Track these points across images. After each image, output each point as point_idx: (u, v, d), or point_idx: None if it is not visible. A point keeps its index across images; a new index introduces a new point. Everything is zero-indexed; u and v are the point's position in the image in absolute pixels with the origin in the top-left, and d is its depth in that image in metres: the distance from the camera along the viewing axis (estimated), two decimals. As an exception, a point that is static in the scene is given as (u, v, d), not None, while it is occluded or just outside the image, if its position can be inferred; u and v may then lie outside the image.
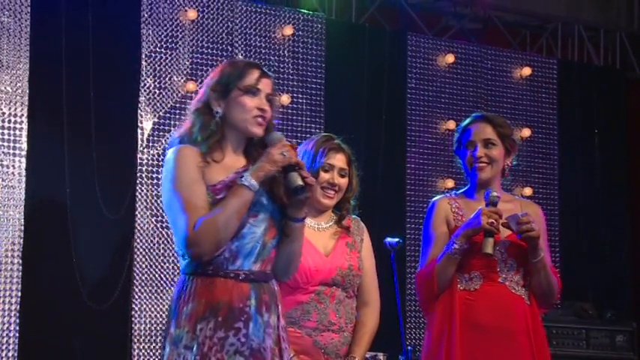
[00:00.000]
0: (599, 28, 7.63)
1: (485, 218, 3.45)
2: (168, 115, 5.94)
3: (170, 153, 2.92)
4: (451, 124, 6.76)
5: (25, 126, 5.55)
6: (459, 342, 3.52)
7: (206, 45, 6.11)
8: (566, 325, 6.29)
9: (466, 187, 3.77)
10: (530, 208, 3.77)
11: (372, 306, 3.61)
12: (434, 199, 3.76)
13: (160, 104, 5.93)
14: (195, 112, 2.96)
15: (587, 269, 7.12)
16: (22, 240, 5.46)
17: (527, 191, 6.97)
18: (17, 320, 5.40)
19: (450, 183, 6.63)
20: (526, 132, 7.09)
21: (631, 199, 7.49)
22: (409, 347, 5.60)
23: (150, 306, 5.73)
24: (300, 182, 2.86)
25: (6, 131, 5.51)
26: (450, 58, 6.93)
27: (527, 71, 7.16)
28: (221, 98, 2.94)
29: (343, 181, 3.57)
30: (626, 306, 7.09)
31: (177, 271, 5.72)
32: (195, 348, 2.82)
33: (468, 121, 3.76)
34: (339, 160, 3.57)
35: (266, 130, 2.97)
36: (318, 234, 3.55)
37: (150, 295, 5.74)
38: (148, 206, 5.81)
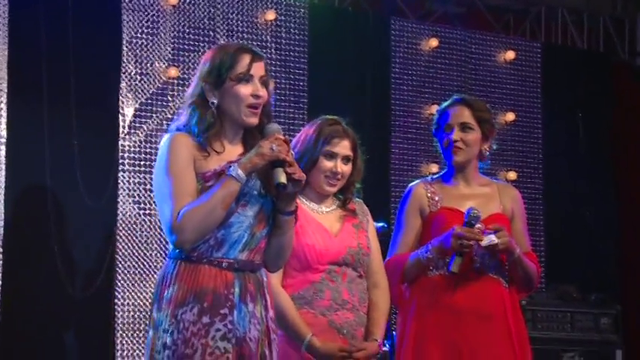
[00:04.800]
0: (583, 11, 7.62)
1: (454, 240, 3.44)
2: (150, 101, 5.88)
3: (164, 140, 2.92)
4: (435, 109, 6.69)
5: (4, 113, 5.49)
6: (434, 325, 3.52)
7: (188, 30, 6.05)
8: (550, 309, 6.31)
9: (444, 171, 3.76)
10: (508, 191, 3.77)
11: (383, 287, 3.55)
12: (411, 184, 3.76)
13: (142, 90, 5.88)
14: (192, 105, 2.94)
15: (571, 252, 7.12)
16: (2, 229, 5.40)
17: (512, 175, 6.97)
18: (-2, 309, 5.36)
19: (435, 168, 6.61)
20: (510, 116, 7.08)
21: (615, 182, 7.49)
22: (394, 332, 5.60)
23: (133, 294, 5.69)
24: (282, 180, 2.83)
25: (-15, 119, 5.46)
26: (434, 43, 6.90)
27: (511, 55, 7.14)
28: (215, 89, 2.92)
29: (347, 168, 3.50)
30: (611, 289, 7.10)
31: (161, 258, 5.70)
32: (176, 333, 2.81)
33: (447, 103, 3.75)
34: (343, 147, 3.49)
35: (262, 114, 2.95)
36: (322, 216, 3.51)
37: (133, 283, 5.70)
38: (130, 193, 5.76)
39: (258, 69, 2.94)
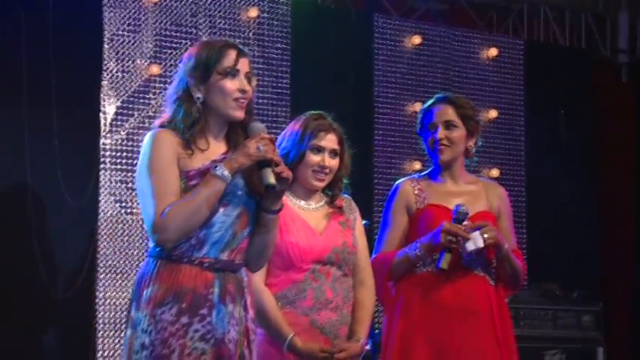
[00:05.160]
0: (565, 8, 7.64)
1: (444, 236, 3.44)
2: (131, 99, 5.84)
3: (147, 137, 2.89)
4: (418, 106, 6.71)
5: (-16, 112, 5.46)
6: (420, 322, 3.52)
7: (170, 27, 6.02)
8: (533, 306, 6.32)
9: (430, 169, 3.76)
10: (494, 189, 3.78)
11: (368, 285, 3.54)
12: (397, 181, 3.75)
13: (123, 88, 5.84)
14: (177, 100, 2.92)
15: (553, 250, 7.14)
16: (-18, 228, 5.38)
17: (495, 172, 6.98)
18: (-22, 310, 5.32)
19: (418, 165, 6.61)
20: (493, 113, 7.08)
21: (597, 179, 7.52)
22: (377, 331, 5.59)
23: (114, 294, 5.65)
24: (271, 181, 2.81)
25: (-35, 117, 5.42)
26: (417, 40, 6.90)
27: (493, 52, 7.15)
28: (200, 83, 2.90)
29: (334, 162, 3.48)
30: (593, 286, 7.12)
31: (143, 257, 5.66)
32: (154, 333, 2.79)
33: (430, 102, 3.75)
34: (329, 140, 3.47)
35: (245, 112, 2.93)
36: (309, 213, 3.48)
37: (114, 282, 5.67)
38: (112, 192, 5.73)
39: (244, 65, 2.94)
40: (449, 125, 3.65)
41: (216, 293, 2.85)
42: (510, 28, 7.48)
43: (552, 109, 7.42)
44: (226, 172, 2.81)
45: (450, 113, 3.67)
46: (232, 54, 2.92)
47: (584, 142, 7.51)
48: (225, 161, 2.84)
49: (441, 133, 3.63)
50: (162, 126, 2.92)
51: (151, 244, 2.90)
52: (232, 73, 2.90)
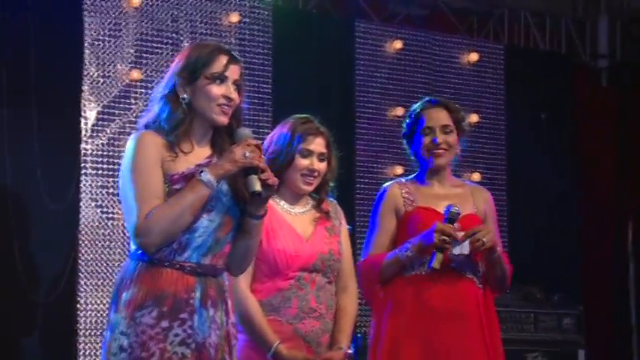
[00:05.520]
0: (545, 14, 7.68)
1: (438, 235, 3.44)
2: (112, 104, 5.83)
3: (131, 139, 2.87)
4: (400, 111, 6.75)
5: (-36, 116, 5.44)
6: (408, 325, 3.53)
7: (151, 33, 6.01)
8: (514, 309, 6.34)
9: (416, 173, 3.76)
10: (480, 193, 3.80)
11: (351, 291, 3.54)
12: (385, 185, 3.75)
13: (104, 93, 5.82)
14: (162, 99, 2.89)
15: (534, 253, 7.17)
16: (-39, 233, 5.35)
17: (476, 176, 7.00)
18: (-42, 315, 5.29)
19: (399, 169, 6.63)
20: (474, 117, 7.11)
21: (578, 184, 7.56)
22: (358, 334, 5.60)
23: (95, 299, 5.63)
24: (257, 188, 2.79)
25: (-55, 122, 5.39)
26: (398, 45, 6.92)
27: (474, 57, 7.18)
28: (187, 85, 2.88)
29: (323, 166, 3.48)
30: (573, 289, 7.15)
31: (124, 262, 5.64)
32: (133, 336, 2.77)
33: (421, 105, 3.74)
34: (318, 144, 3.47)
35: (233, 118, 2.91)
36: (296, 218, 3.48)
37: (95, 287, 5.65)
38: (93, 197, 5.71)
39: (234, 72, 2.92)
40: (446, 129, 3.67)
41: (197, 298, 2.83)
42: (491, 33, 7.52)
43: (533, 114, 7.46)
44: (212, 178, 2.79)
45: (446, 118, 3.69)
46: (223, 60, 2.90)
47: (565, 146, 7.55)
48: (210, 167, 2.82)
49: (440, 137, 3.64)
50: (146, 126, 2.89)
51: (133, 247, 2.87)
52: (220, 78, 2.88)
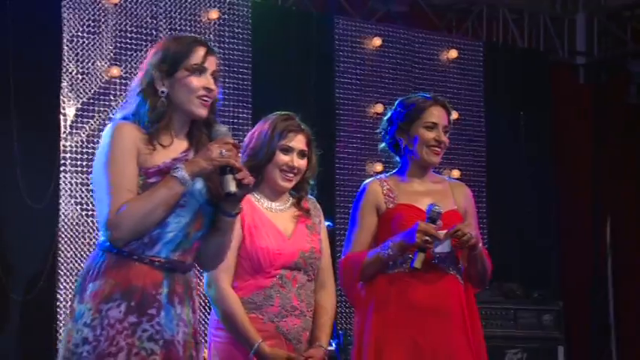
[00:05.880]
0: (523, 10, 7.71)
1: (420, 235, 3.44)
2: (91, 100, 5.80)
3: (108, 129, 2.82)
4: (379, 108, 6.76)
5: (-58, 113, 5.40)
6: (393, 322, 3.53)
7: (130, 29, 5.98)
8: (494, 306, 6.36)
9: (397, 169, 3.76)
10: (460, 189, 3.80)
11: (330, 288, 3.54)
12: (365, 182, 3.75)
13: (83, 90, 5.79)
14: (141, 93, 2.84)
15: (514, 250, 7.20)
16: (-60, 231, 5.31)
17: (455, 173, 7.02)
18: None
19: (379, 166, 6.64)
20: (454, 114, 7.11)
21: (557, 180, 7.60)
22: (340, 332, 5.60)
23: (76, 296, 5.60)
24: (232, 188, 2.76)
25: None
26: (378, 42, 6.92)
27: (453, 54, 7.20)
28: (165, 78, 2.84)
29: (303, 163, 3.47)
30: (553, 286, 7.20)
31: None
32: (99, 329, 2.72)
33: (425, 100, 3.70)
34: (298, 141, 3.45)
35: (210, 111, 2.88)
36: (276, 215, 3.47)
37: (75, 285, 5.62)
38: (72, 194, 5.68)
39: (212, 63, 2.88)
40: (446, 129, 3.68)
41: (164, 294, 2.79)
42: (470, 30, 7.54)
43: (512, 110, 7.49)
44: (187, 176, 2.74)
45: (446, 118, 3.70)
46: (201, 51, 2.85)
47: (543, 142, 7.59)
48: (186, 163, 2.77)
49: (442, 136, 3.65)
50: (125, 118, 2.83)
51: (102, 238, 2.80)
52: (199, 70, 2.84)
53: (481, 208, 7.05)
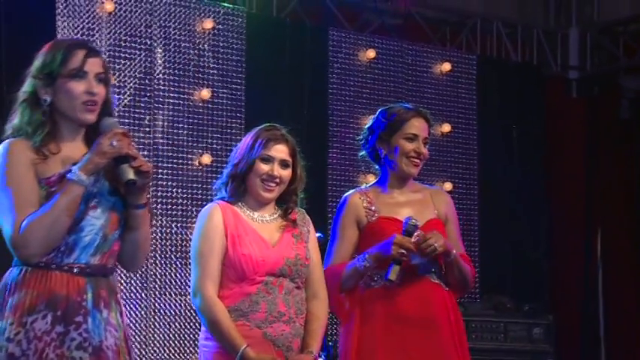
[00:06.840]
0: (517, 24, 7.74)
1: (395, 248, 3.46)
2: (84, 109, 5.79)
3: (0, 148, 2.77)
4: (372, 120, 6.76)
5: None
6: (381, 334, 3.54)
7: (124, 38, 5.98)
8: (484, 319, 6.36)
9: (377, 179, 3.77)
10: (439, 196, 3.83)
11: (322, 298, 3.53)
12: (346, 194, 3.76)
13: (77, 98, 5.78)
14: (22, 103, 2.79)
15: (505, 263, 7.21)
16: None
17: (448, 186, 7.02)
18: None
19: (372, 178, 6.60)
20: (446, 127, 7.14)
21: (548, 194, 7.61)
22: (330, 343, 5.59)
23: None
24: (130, 176, 2.72)
25: None
26: (371, 54, 6.94)
27: (447, 67, 7.21)
28: (47, 86, 2.77)
29: (285, 173, 3.45)
30: (543, 299, 7.20)
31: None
32: (25, 342, 2.67)
33: (406, 111, 3.72)
34: (279, 151, 3.44)
35: (101, 114, 2.81)
36: (262, 226, 3.46)
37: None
38: None
39: (94, 65, 2.78)
40: (425, 141, 3.70)
41: (89, 299, 2.75)
42: (464, 44, 7.56)
43: (504, 124, 7.50)
44: (82, 175, 2.69)
45: (427, 130, 3.72)
46: (80, 54, 2.77)
47: (535, 156, 7.60)
48: (80, 164, 2.71)
49: (422, 148, 3.67)
50: (13, 134, 2.78)
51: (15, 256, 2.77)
52: (79, 74, 2.76)
53: (473, 220, 7.06)
